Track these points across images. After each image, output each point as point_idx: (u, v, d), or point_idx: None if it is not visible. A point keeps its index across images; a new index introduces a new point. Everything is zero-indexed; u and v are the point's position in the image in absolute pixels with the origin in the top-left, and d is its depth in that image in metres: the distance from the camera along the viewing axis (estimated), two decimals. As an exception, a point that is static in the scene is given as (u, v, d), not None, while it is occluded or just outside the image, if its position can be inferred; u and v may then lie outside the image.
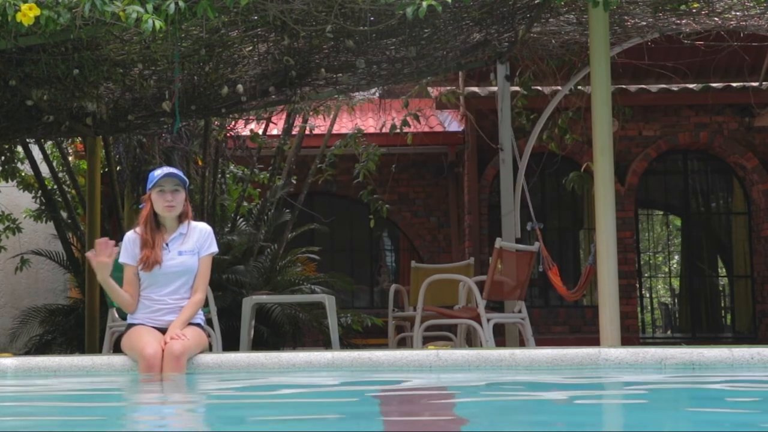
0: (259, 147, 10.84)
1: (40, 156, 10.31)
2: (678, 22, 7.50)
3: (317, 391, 4.31)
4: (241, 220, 10.43)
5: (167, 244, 5.25)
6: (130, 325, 5.26)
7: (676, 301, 18.45)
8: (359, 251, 13.77)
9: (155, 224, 5.27)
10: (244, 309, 7.10)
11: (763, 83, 11.11)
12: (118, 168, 10.24)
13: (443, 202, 13.37)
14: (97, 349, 8.40)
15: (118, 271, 5.67)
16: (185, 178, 5.31)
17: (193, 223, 5.36)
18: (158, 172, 5.25)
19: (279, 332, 9.34)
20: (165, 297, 5.23)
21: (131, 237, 5.31)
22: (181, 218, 5.31)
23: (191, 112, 7.97)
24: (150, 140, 9.86)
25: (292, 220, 10.57)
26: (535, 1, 6.78)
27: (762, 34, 7.89)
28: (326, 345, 8.86)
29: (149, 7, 5.18)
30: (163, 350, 4.97)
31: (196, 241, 5.29)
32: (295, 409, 3.53)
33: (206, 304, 6.01)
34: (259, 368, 4.95)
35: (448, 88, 10.97)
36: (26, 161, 10.22)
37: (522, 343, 7.73)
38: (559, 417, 3.19)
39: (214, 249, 5.35)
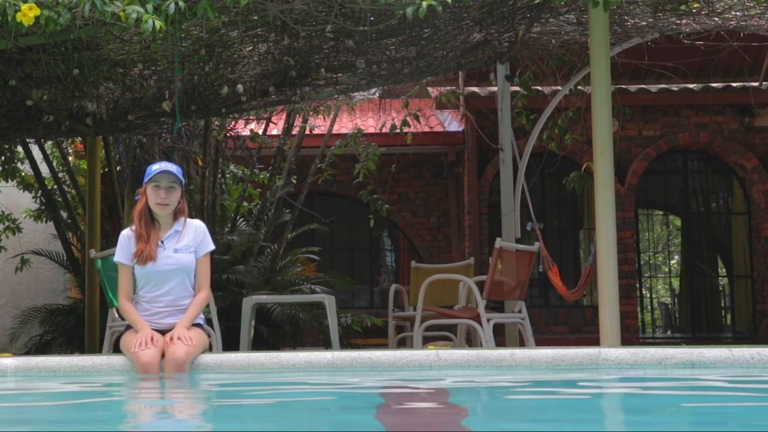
0: (259, 147, 10.84)
1: (40, 156, 10.31)
2: (678, 22, 7.49)
3: (317, 391, 4.30)
4: (241, 220, 10.42)
5: (162, 242, 5.22)
6: (129, 327, 5.24)
7: (676, 301, 18.45)
8: (359, 251, 13.77)
9: (150, 219, 5.23)
10: (244, 309, 7.10)
11: (763, 83, 11.11)
12: (118, 168, 10.25)
13: (443, 202, 13.38)
14: (97, 349, 8.40)
15: (113, 270, 5.65)
16: (182, 176, 5.27)
17: (188, 220, 5.33)
18: (156, 167, 5.20)
19: (279, 332, 9.34)
20: (162, 297, 5.19)
21: (126, 235, 5.27)
22: (176, 215, 5.28)
23: (191, 112, 7.97)
24: (150, 140, 9.86)
25: (292, 220, 10.57)
26: (535, 1, 6.77)
27: (762, 34, 7.89)
28: (326, 345, 8.86)
29: (149, 7, 5.17)
30: (163, 353, 4.96)
31: (192, 239, 5.26)
32: (294, 410, 3.53)
33: (206, 305, 6.00)
34: (259, 368, 4.95)
35: (448, 88, 10.97)
36: (26, 161, 10.21)
37: (522, 343, 7.73)
38: (559, 417, 3.19)
39: (211, 247, 5.33)
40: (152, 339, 4.98)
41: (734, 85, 11.73)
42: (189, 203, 6.60)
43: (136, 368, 4.92)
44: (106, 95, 7.72)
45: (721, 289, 14.40)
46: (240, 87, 7.27)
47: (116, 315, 6.53)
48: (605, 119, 6.07)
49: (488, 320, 6.88)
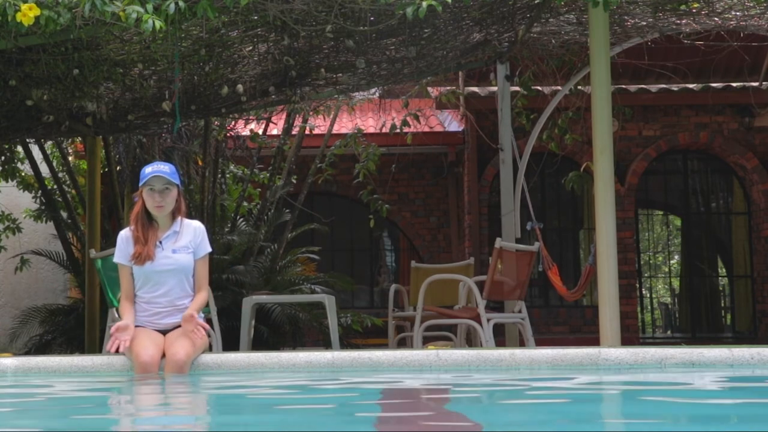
0: (259, 147, 10.85)
1: (40, 156, 10.31)
2: (678, 22, 7.50)
3: (317, 391, 4.30)
4: (241, 220, 10.42)
5: (161, 242, 5.21)
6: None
7: (676, 301, 18.46)
8: (359, 251, 13.77)
9: (147, 220, 5.23)
10: (244, 309, 7.10)
11: (763, 83, 11.11)
12: (118, 168, 10.25)
13: (443, 202, 13.38)
14: (97, 349, 8.40)
15: (113, 270, 5.65)
16: (176, 175, 5.23)
17: (186, 221, 5.32)
18: (148, 170, 5.18)
19: (279, 332, 9.34)
20: (160, 298, 5.17)
21: (125, 236, 5.26)
22: (174, 214, 5.28)
23: (191, 112, 7.97)
24: (150, 140, 9.86)
25: (292, 220, 10.57)
26: (535, 1, 6.77)
27: (762, 34, 7.89)
28: (326, 345, 8.86)
29: (149, 7, 5.18)
30: (163, 353, 4.96)
31: (190, 240, 5.24)
32: (294, 410, 3.52)
33: (206, 304, 6.00)
34: (259, 368, 4.95)
35: (448, 88, 10.97)
36: (26, 161, 10.21)
37: (522, 343, 7.73)
38: (559, 417, 3.19)
39: (209, 249, 5.33)
40: (122, 327, 4.97)
41: (734, 85, 11.73)
42: (188, 203, 6.61)
43: (135, 368, 4.92)
44: (106, 95, 7.72)
45: (721, 289, 14.41)
46: (240, 87, 7.27)
47: (116, 315, 6.52)
48: (605, 119, 6.07)
49: (488, 320, 6.88)
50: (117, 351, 4.97)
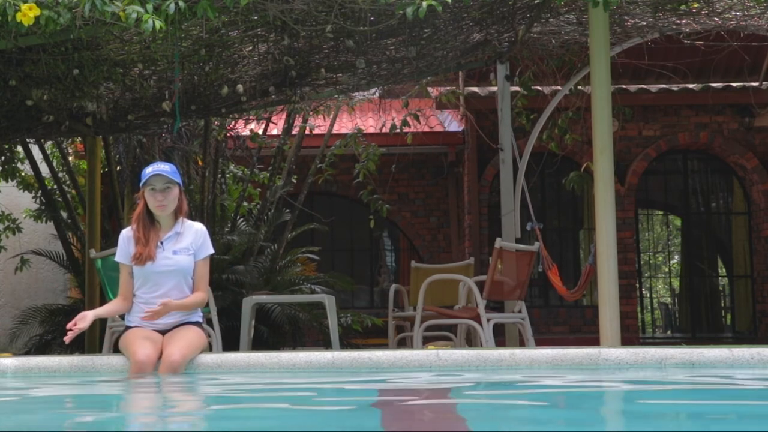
0: (259, 147, 10.85)
1: (40, 156, 10.31)
2: (678, 22, 7.50)
3: (317, 391, 4.30)
4: (241, 220, 10.42)
5: (162, 243, 5.20)
6: (128, 327, 5.25)
7: (676, 301, 18.46)
8: (359, 251, 13.77)
9: (149, 221, 5.22)
10: (244, 309, 7.10)
11: (763, 83, 11.11)
12: (118, 168, 10.25)
13: (443, 202, 13.38)
14: (97, 349, 8.40)
15: (113, 270, 5.65)
16: (177, 174, 5.22)
17: (188, 222, 5.30)
18: (149, 170, 5.17)
19: (279, 332, 9.34)
20: (158, 299, 5.13)
21: (126, 235, 5.26)
22: (176, 215, 5.27)
23: (191, 112, 7.97)
24: (150, 140, 9.86)
25: (292, 220, 10.57)
26: (535, 1, 6.78)
27: (762, 34, 7.89)
28: (326, 345, 8.86)
29: (149, 7, 5.18)
30: (161, 353, 4.96)
31: (191, 242, 5.23)
32: (294, 410, 3.52)
33: (206, 304, 6.00)
34: (259, 368, 4.95)
35: (448, 88, 10.98)
36: (26, 161, 10.22)
37: (522, 343, 7.73)
38: (559, 417, 3.19)
39: (210, 251, 5.30)
40: (79, 318, 4.95)
41: (734, 85, 11.74)
42: (189, 203, 6.59)
43: (131, 367, 4.91)
44: (106, 95, 7.72)
45: (721, 289, 14.41)
46: (240, 87, 7.27)
47: (116, 315, 6.53)
48: (605, 119, 6.07)
49: (488, 320, 6.88)
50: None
